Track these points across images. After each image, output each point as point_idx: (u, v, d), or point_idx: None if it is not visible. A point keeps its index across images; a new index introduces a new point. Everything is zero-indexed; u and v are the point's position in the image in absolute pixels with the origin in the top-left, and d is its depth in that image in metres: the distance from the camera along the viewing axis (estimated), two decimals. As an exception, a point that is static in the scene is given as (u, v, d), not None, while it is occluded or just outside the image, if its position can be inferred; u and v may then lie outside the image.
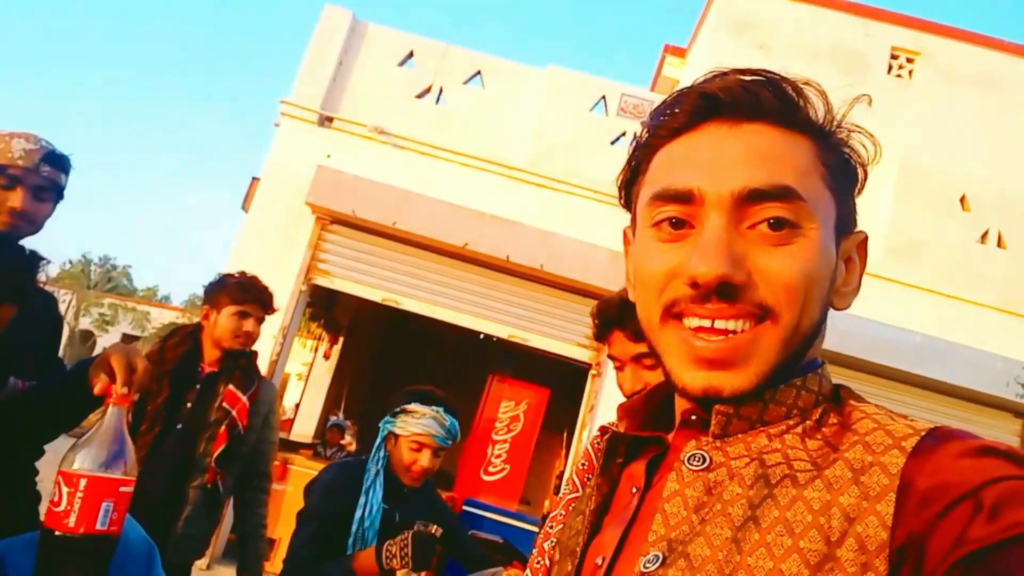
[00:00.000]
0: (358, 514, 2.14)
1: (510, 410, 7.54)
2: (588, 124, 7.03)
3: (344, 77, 6.90)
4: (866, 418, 0.60)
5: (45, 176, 1.89)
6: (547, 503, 6.45)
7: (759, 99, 0.65)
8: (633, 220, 0.74)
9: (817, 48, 7.63)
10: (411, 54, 7.09)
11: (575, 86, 7.12)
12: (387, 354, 12.14)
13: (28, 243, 1.78)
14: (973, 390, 6.56)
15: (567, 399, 7.37)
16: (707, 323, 0.61)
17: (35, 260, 1.58)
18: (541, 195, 6.75)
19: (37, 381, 1.70)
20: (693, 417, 0.67)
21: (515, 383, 7.74)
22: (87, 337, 26.51)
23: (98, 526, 1.11)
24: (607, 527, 0.69)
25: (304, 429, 10.36)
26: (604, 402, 6.41)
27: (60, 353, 2.07)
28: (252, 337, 2.68)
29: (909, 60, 7.85)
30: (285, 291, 6.12)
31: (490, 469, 7.34)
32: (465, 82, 7.10)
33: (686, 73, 10.05)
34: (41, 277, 1.64)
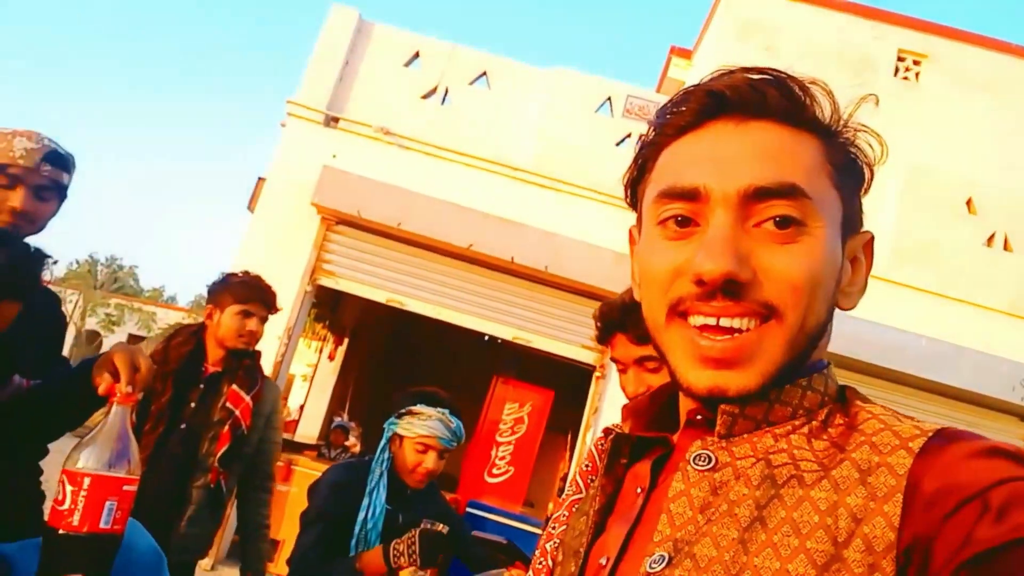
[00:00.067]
0: (361, 515, 2.14)
1: (514, 412, 7.54)
2: (594, 125, 7.02)
3: (350, 77, 6.91)
4: (873, 419, 0.60)
5: (46, 175, 1.88)
6: (551, 505, 6.45)
7: (766, 97, 0.64)
8: (639, 219, 0.74)
9: (824, 50, 7.61)
10: (417, 54, 7.10)
11: (581, 87, 7.12)
12: (391, 355, 12.15)
13: (34, 241, 1.78)
14: (979, 394, 6.54)
15: (571, 401, 7.36)
16: (712, 321, 0.61)
17: (39, 257, 1.58)
18: (546, 196, 6.75)
19: (41, 379, 1.71)
20: (698, 417, 0.66)
21: (519, 385, 7.74)
22: (93, 337, 26.60)
23: (102, 525, 1.11)
24: (611, 527, 0.69)
25: (309, 430, 10.38)
26: (608, 404, 6.40)
27: (66, 353, 2.07)
28: (256, 336, 2.68)
29: (916, 62, 7.83)
30: (290, 292, 6.13)
31: (494, 471, 7.34)
32: (471, 83, 7.10)
33: (692, 75, 10.04)
34: (46, 275, 1.64)
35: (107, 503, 1.12)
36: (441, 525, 2.10)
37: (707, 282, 0.60)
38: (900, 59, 7.83)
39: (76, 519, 1.10)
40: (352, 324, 10.74)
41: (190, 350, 2.64)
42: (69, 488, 1.11)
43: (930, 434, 0.55)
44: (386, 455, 2.25)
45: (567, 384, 7.69)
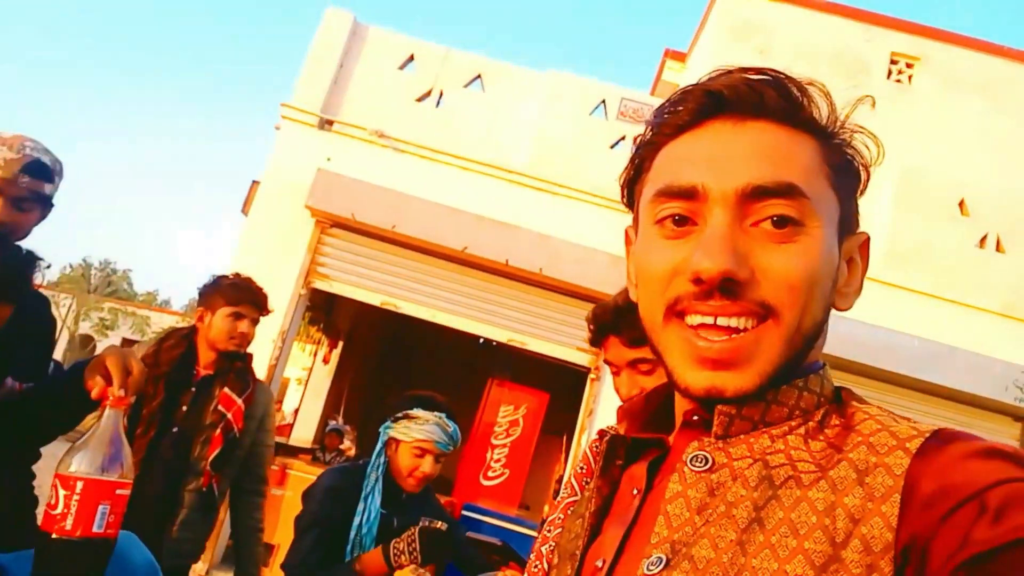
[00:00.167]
0: (357, 520, 2.13)
1: (509, 414, 7.54)
2: (588, 128, 7.03)
3: (345, 80, 6.90)
4: (869, 419, 0.60)
5: (24, 186, 1.85)
6: (546, 507, 6.44)
7: (763, 97, 0.64)
8: (635, 219, 0.74)
9: (817, 53, 7.64)
10: (411, 57, 7.10)
11: (575, 90, 7.13)
12: (386, 359, 12.14)
13: (26, 244, 1.77)
14: (973, 394, 6.56)
15: (566, 403, 7.36)
16: (710, 320, 0.61)
17: (31, 260, 1.58)
18: (541, 199, 6.75)
19: (33, 383, 1.70)
20: (695, 418, 0.66)
21: (514, 387, 7.74)
22: (87, 341, 26.49)
23: (95, 529, 1.11)
24: (607, 529, 0.69)
25: (303, 434, 10.36)
26: (603, 406, 6.40)
27: (59, 357, 2.06)
28: (247, 338, 2.68)
29: (909, 65, 7.86)
30: (284, 295, 6.11)
31: (489, 474, 7.33)
32: (465, 86, 7.10)
33: (686, 77, 10.06)
34: (37, 278, 1.63)
35: (100, 507, 1.11)
36: (440, 523, 2.10)
37: (705, 281, 0.60)
38: (893, 62, 7.86)
39: (69, 523, 1.09)
40: (347, 327, 10.72)
41: (181, 353, 2.63)
42: (62, 492, 1.10)
43: (927, 435, 0.55)
44: (382, 459, 2.25)
45: (562, 386, 7.69)
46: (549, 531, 1.30)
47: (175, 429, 2.56)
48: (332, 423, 9.17)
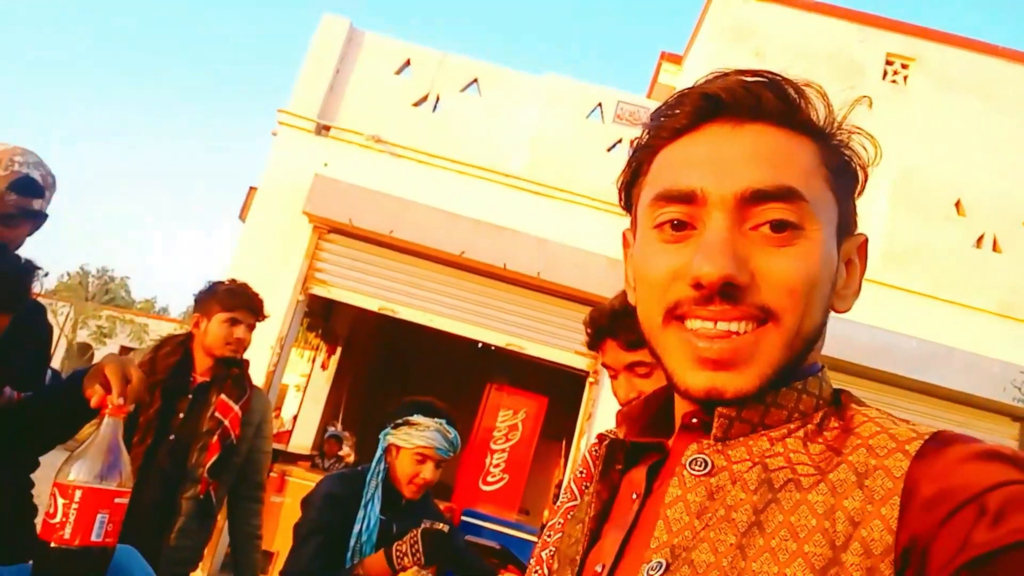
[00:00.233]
0: (357, 528, 2.13)
1: (508, 419, 7.54)
2: (585, 131, 7.04)
3: (341, 86, 6.91)
4: (868, 422, 0.60)
5: (11, 204, 1.84)
6: (546, 512, 6.44)
7: (761, 100, 0.64)
8: (633, 222, 0.74)
9: (812, 55, 7.66)
10: (408, 62, 7.11)
11: (572, 94, 7.14)
12: (384, 364, 12.13)
13: (24, 252, 1.77)
14: (970, 394, 6.57)
15: (565, 407, 7.36)
16: (710, 324, 0.61)
17: (30, 270, 1.57)
18: (538, 203, 6.76)
19: (30, 391, 1.69)
20: (694, 421, 0.66)
21: (513, 392, 7.74)
22: (85, 350, 26.44)
23: (93, 538, 1.11)
24: (607, 534, 0.69)
25: (302, 440, 10.34)
26: (602, 410, 6.40)
27: (57, 366, 2.06)
28: (243, 344, 2.67)
29: (904, 66, 7.88)
30: (282, 301, 6.11)
31: (489, 479, 7.32)
32: (462, 90, 7.11)
33: (682, 80, 10.08)
34: (36, 287, 1.63)
35: (99, 516, 1.11)
36: (441, 524, 2.11)
37: (705, 285, 0.60)
38: (888, 63, 7.88)
39: (68, 532, 1.09)
40: (345, 333, 10.71)
41: (178, 360, 2.63)
42: (60, 501, 1.10)
43: (926, 437, 0.55)
44: (382, 466, 2.25)
45: (561, 390, 7.69)
46: (549, 536, 1.30)
47: (172, 437, 2.55)
48: (331, 429, 9.16)
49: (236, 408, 2.62)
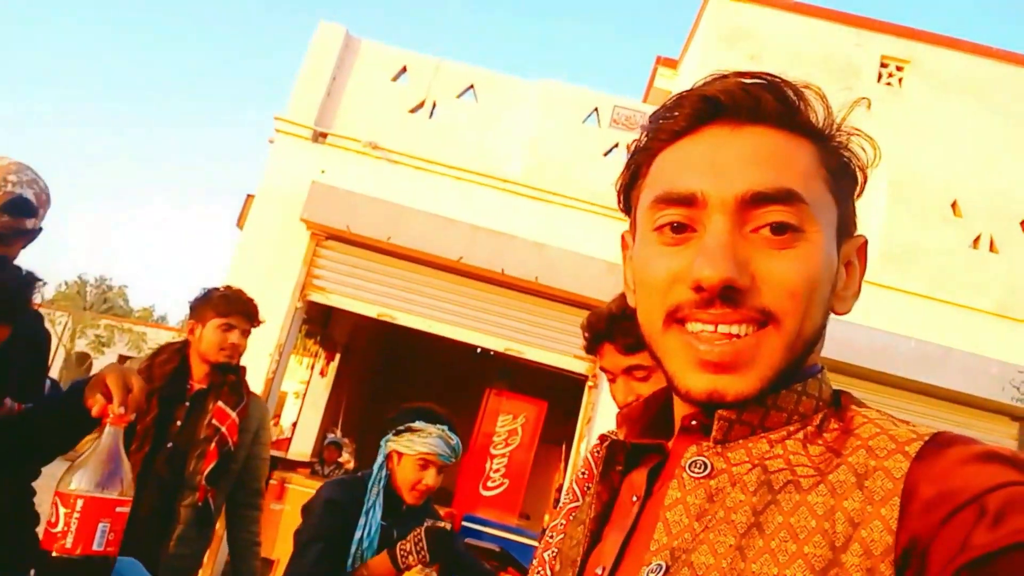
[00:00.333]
0: (358, 534, 2.13)
1: (508, 424, 7.54)
2: (581, 136, 7.05)
3: (338, 93, 6.92)
4: (868, 423, 0.60)
5: (5, 224, 1.84)
6: (547, 517, 6.43)
7: (760, 102, 0.64)
8: (632, 224, 0.74)
9: (807, 58, 7.68)
10: (404, 69, 7.12)
11: (568, 98, 7.15)
12: (383, 370, 12.12)
13: (19, 261, 1.77)
14: (969, 394, 6.57)
15: (564, 411, 7.36)
16: (710, 328, 0.61)
17: (31, 281, 1.58)
18: (535, 207, 6.76)
19: (30, 401, 1.69)
20: (693, 423, 0.66)
21: (512, 396, 7.74)
22: (83, 359, 26.40)
23: (95, 547, 1.11)
24: (607, 536, 0.69)
25: (302, 447, 10.32)
26: (601, 414, 6.39)
27: (56, 376, 2.06)
28: (238, 350, 2.67)
29: (899, 68, 7.91)
30: (280, 308, 6.10)
31: (489, 484, 7.32)
32: (458, 96, 7.12)
33: (678, 84, 10.11)
34: (36, 298, 1.63)
35: (100, 525, 1.11)
36: (444, 522, 2.12)
37: (706, 288, 0.60)
38: (883, 65, 7.90)
39: (69, 541, 1.09)
40: (343, 339, 10.70)
41: (175, 367, 2.63)
42: (62, 510, 1.10)
43: (926, 438, 0.56)
44: (383, 472, 2.25)
45: (560, 395, 7.69)
46: (552, 537, 1.30)
47: (169, 444, 2.55)
48: (330, 436, 9.15)
49: (233, 415, 2.62)
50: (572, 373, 6.62)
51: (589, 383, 6.55)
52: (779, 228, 0.61)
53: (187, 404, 2.60)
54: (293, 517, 2.31)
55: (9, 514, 1.82)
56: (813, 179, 0.64)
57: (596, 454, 1.27)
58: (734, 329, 0.60)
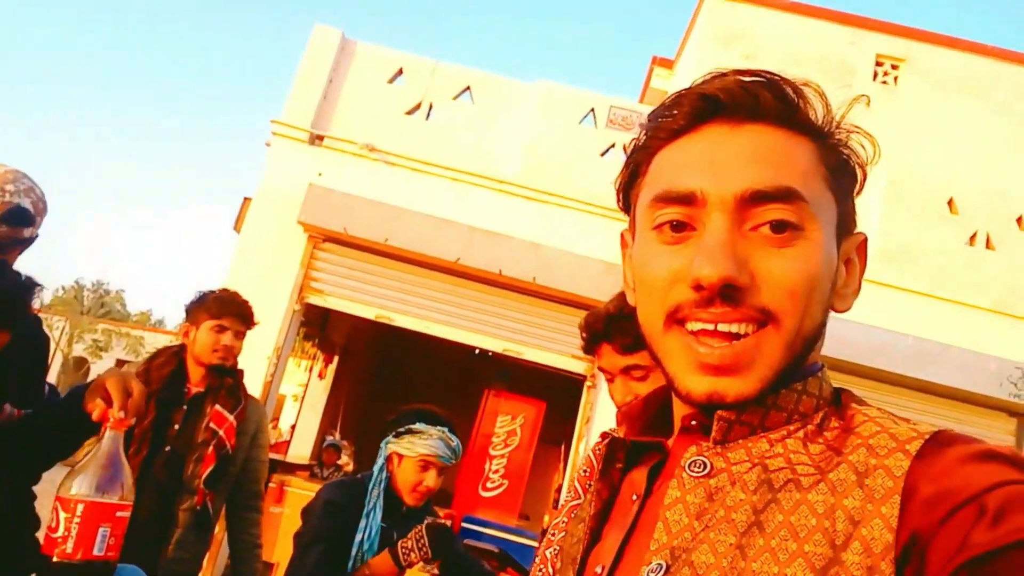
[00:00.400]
0: (358, 537, 2.13)
1: (507, 424, 7.53)
2: (578, 137, 7.06)
3: (334, 95, 6.92)
4: (869, 421, 0.60)
5: (2, 234, 1.85)
6: (547, 517, 6.42)
7: (759, 100, 0.64)
8: (632, 223, 0.73)
9: (803, 58, 7.69)
10: (400, 71, 7.12)
11: (564, 99, 7.16)
12: (382, 372, 12.12)
13: (21, 267, 1.77)
14: (967, 391, 6.58)
15: (563, 412, 7.36)
16: (710, 327, 0.61)
17: (30, 287, 1.58)
18: (532, 208, 6.77)
19: (29, 407, 1.69)
20: (693, 423, 0.66)
21: (511, 397, 7.74)
22: (80, 364, 26.34)
23: (95, 551, 1.11)
24: (607, 535, 0.69)
25: (301, 450, 10.31)
26: (600, 414, 6.39)
27: (53, 381, 2.06)
28: (231, 351, 2.66)
29: (894, 67, 7.92)
30: (278, 311, 6.10)
31: (488, 485, 7.32)
32: (455, 98, 7.12)
33: (674, 84, 10.12)
34: (35, 303, 1.63)
35: (101, 530, 1.11)
36: (445, 520, 2.13)
37: (706, 287, 0.60)
38: (878, 64, 7.92)
39: (70, 546, 1.09)
40: (342, 342, 10.69)
41: (172, 371, 2.62)
42: (63, 515, 1.10)
43: (927, 437, 0.55)
44: (384, 475, 2.25)
45: (559, 395, 7.69)
46: (553, 535, 1.30)
47: (167, 448, 2.55)
48: (329, 438, 9.15)
49: (231, 418, 2.62)
50: (570, 373, 6.62)
51: (588, 383, 6.56)
52: (779, 226, 0.61)
53: (184, 408, 2.60)
54: (292, 520, 2.31)
55: (9, 519, 1.82)
56: (812, 177, 0.64)
57: (598, 451, 1.27)
58: (734, 328, 0.60)
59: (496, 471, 7.36)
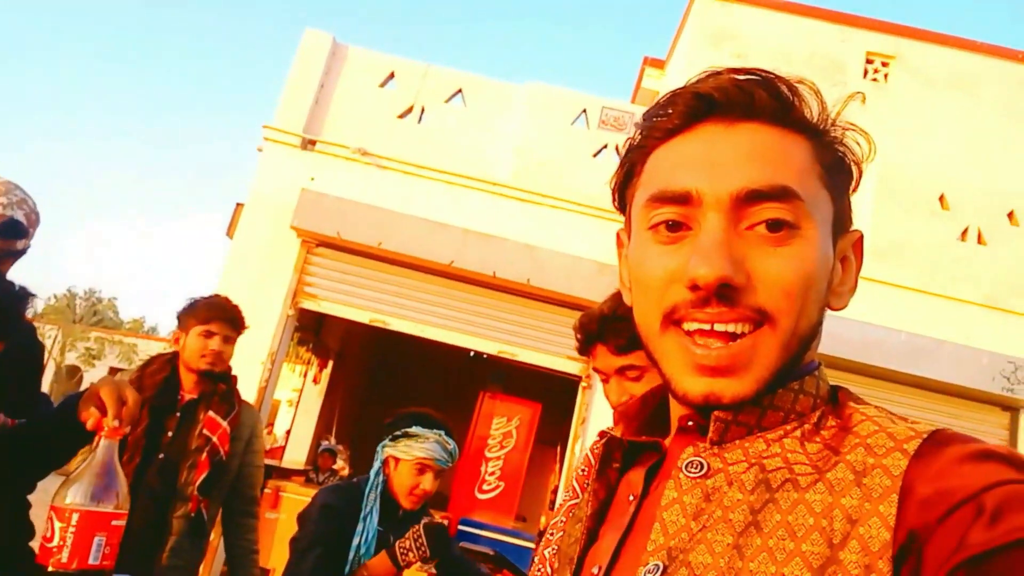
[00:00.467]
0: (355, 541, 2.13)
1: (502, 426, 7.53)
2: (570, 138, 7.06)
3: (326, 100, 6.90)
4: (866, 420, 0.59)
5: None
6: (543, 519, 6.42)
7: (754, 98, 0.64)
8: (627, 223, 0.73)
9: (793, 56, 7.72)
10: (392, 75, 7.12)
11: (556, 101, 7.16)
12: (377, 376, 12.10)
13: (13, 276, 1.76)
14: (960, 385, 6.60)
15: (559, 413, 7.36)
16: (706, 327, 0.60)
17: (24, 296, 1.57)
18: (525, 210, 6.77)
19: (23, 413, 1.68)
20: (690, 423, 0.66)
21: (506, 399, 7.74)
22: (73, 372, 26.20)
23: (91, 561, 1.10)
24: (604, 535, 0.69)
25: (296, 455, 10.28)
26: (595, 414, 6.39)
27: (46, 389, 2.05)
28: (220, 356, 2.64)
29: (884, 64, 7.96)
30: (272, 316, 6.08)
31: (484, 487, 7.31)
32: (447, 101, 7.12)
33: (665, 84, 10.14)
34: (29, 312, 1.63)
35: (96, 539, 1.11)
36: (441, 520, 2.13)
37: (702, 287, 0.59)
38: (868, 61, 7.95)
39: (65, 556, 1.08)
40: (336, 346, 10.67)
41: (165, 377, 2.61)
42: (57, 524, 1.09)
43: (924, 436, 0.55)
44: (380, 478, 2.24)
45: (554, 396, 7.68)
46: (552, 534, 1.30)
47: (161, 455, 2.53)
48: (325, 443, 9.12)
49: (224, 424, 2.61)
50: (566, 374, 6.62)
51: (583, 384, 6.56)
52: (775, 225, 0.61)
53: (178, 414, 2.59)
54: (288, 526, 2.31)
55: (4, 528, 1.81)
56: (808, 175, 0.63)
57: (595, 451, 1.27)
58: (730, 328, 0.60)
59: (492, 473, 7.36)
